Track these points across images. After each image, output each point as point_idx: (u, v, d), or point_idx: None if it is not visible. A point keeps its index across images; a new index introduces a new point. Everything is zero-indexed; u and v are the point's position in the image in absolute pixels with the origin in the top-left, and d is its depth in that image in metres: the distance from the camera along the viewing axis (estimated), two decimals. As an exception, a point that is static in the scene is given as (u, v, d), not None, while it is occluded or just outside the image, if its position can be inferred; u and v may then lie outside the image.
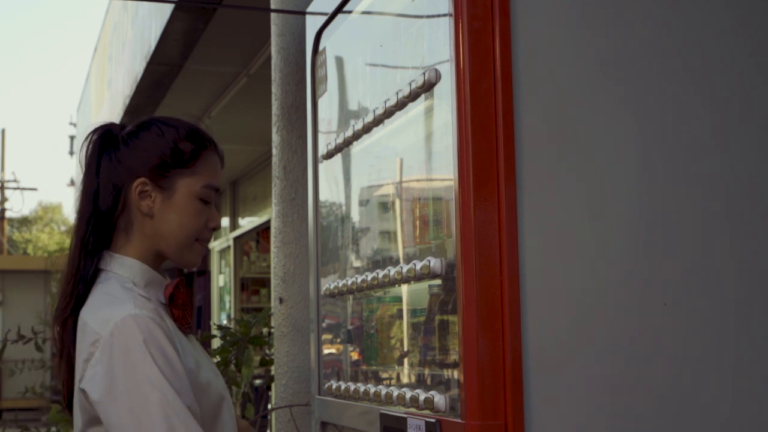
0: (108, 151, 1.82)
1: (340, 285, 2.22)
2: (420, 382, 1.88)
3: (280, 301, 3.18)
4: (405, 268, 1.81)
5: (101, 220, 1.79)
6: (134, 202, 1.78)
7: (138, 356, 1.60)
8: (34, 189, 29.20)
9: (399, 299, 2.04)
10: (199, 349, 1.86)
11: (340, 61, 2.40)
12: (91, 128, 1.88)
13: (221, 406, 1.79)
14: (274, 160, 3.28)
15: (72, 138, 23.07)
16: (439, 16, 1.78)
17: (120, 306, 1.66)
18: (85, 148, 1.84)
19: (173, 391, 1.59)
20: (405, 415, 1.77)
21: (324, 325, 2.42)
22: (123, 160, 1.80)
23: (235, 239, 10.61)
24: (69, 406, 1.77)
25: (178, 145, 1.81)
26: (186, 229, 1.80)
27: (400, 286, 1.95)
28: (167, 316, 1.75)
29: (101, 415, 1.61)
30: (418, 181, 1.97)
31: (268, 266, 9.88)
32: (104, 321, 1.64)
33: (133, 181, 1.78)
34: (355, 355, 2.28)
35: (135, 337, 1.61)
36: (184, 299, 1.82)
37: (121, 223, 1.80)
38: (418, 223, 1.92)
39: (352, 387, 2.11)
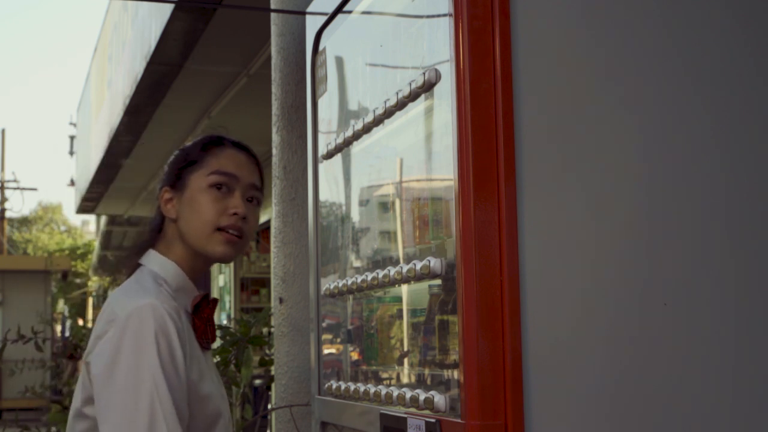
0: None
1: (340, 285, 2.22)
2: (420, 382, 1.88)
3: (280, 301, 3.18)
4: (405, 268, 1.81)
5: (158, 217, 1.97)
6: (164, 211, 1.92)
7: (145, 343, 1.65)
8: (34, 189, 29.19)
9: (399, 299, 2.04)
10: (211, 366, 1.92)
11: (340, 61, 2.40)
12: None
13: (217, 422, 1.83)
14: (274, 160, 3.28)
15: (72, 138, 23.05)
16: (439, 16, 1.78)
17: (145, 295, 1.73)
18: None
19: (166, 385, 1.65)
20: (405, 415, 1.78)
21: (324, 325, 2.42)
22: (161, 178, 1.99)
23: (235, 239, 10.59)
24: None
25: (186, 150, 1.96)
26: (200, 219, 1.87)
27: (400, 286, 1.95)
28: (188, 323, 1.79)
29: (95, 388, 1.67)
30: (418, 181, 1.97)
31: (268, 266, 9.88)
32: (125, 305, 1.71)
33: (161, 194, 1.95)
34: (355, 355, 2.28)
35: (148, 325, 1.67)
36: (209, 314, 1.90)
37: (162, 231, 1.95)
38: (418, 223, 1.92)
39: (352, 387, 2.11)
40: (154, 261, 1.88)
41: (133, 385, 1.63)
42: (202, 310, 1.87)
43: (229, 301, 11.02)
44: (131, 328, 1.66)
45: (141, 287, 1.78)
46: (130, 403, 1.62)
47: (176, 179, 1.92)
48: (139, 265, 1.89)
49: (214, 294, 11.54)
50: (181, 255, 1.89)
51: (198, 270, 1.92)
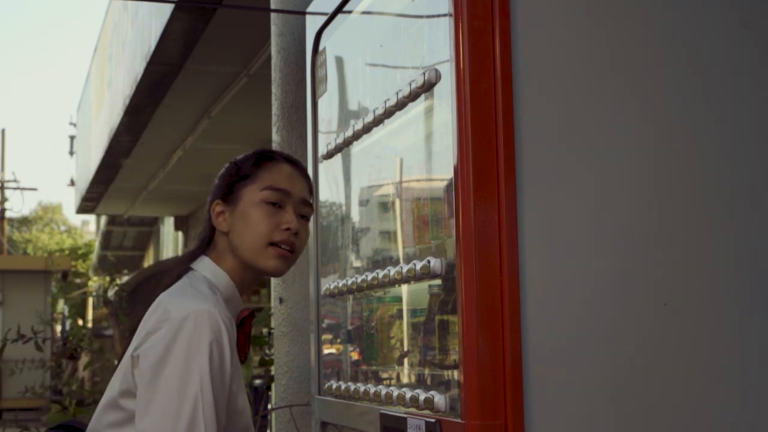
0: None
1: (340, 285, 2.22)
2: (420, 382, 1.88)
3: (280, 301, 3.18)
4: (405, 268, 1.81)
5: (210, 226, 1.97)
6: (215, 224, 1.93)
7: (199, 347, 1.67)
8: (34, 189, 29.19)
9: (399, 299, 2.04)
10: (242, 380, 1.91)
11: (340, 61, 2.40)
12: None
13: None
14: (274, 160, 3.27)
15: (72, 138, 23.05)
16: (439, 16, 1.78)
17: (202, 301, 1.73)
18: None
19: (212, 393, 1.66)
20: (405, 415, 1.77)
21: (324, 325, 2.42)
22: (212, 191, 2.00)
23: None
24: None
25: (238, 164, 1.97)
26: (254, 233, 1.89)
27: (400, 286, 1.95)
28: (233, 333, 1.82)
29: (140, 382, 1.67)
30: (418, 181, 1.97)
31: (268, 266, 9.85)
32: (180, 306, 1.72)
33: (212, 207, 1.95)
34: (355, 355, 2.28)
35: (203, 330, 1.68)
36: (250, 329, 1.94)
37: (213, 243, 1.95)
38: (418, 223, 1.92)
39: (352, 387, 2.11)
40: (207, 268, 1.89)
41: (178, 387, 1.64)
42: (245, 324, 1.91)
43: (229, 301, 11.02)
44: (186, 331, 1.67)
45: (197, 291, 1.78)
46: (174, 403, 1.63)
47: (228, 193, 1.92)
48: (189, 269, 1.90)
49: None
50: (231, 266, 1.90)
51: (247, 283, 1.94)
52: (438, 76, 1.77)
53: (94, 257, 23.82)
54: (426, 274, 1.74)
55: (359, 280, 2.07)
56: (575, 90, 1.70)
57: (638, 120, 1.73)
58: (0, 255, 22.06)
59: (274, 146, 3.28)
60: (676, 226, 1.73)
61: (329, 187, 2.44)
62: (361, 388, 2.05)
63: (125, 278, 16.49)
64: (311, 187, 2.03)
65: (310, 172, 2.50)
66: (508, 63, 1.65)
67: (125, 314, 12.57)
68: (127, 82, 8.36)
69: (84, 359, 11.10)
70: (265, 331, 4.02)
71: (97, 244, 22.64)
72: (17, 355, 12.38)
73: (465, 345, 1.61)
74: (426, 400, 1.70)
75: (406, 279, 1.82)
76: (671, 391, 1.69)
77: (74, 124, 21.55)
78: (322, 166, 2.45)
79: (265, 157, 1.96)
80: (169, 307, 1.73)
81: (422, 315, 1.89)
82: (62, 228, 39.24)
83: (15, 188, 25.05)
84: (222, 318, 1.71)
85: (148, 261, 20.34)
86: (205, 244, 1.95)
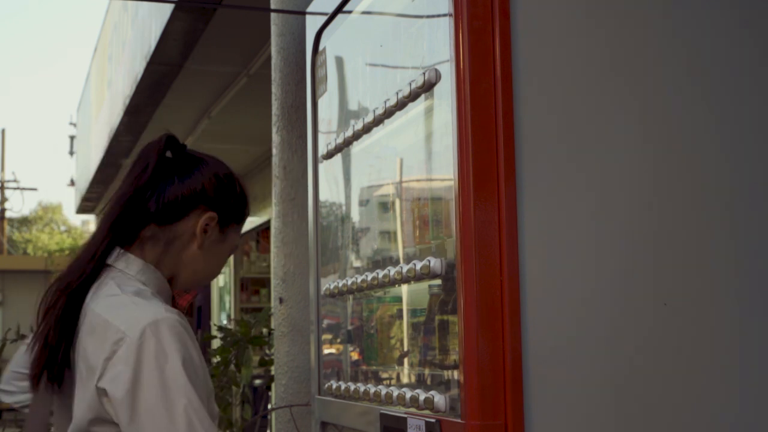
0: (183, 165, 1.82)
1: (340, 285, 2.22)
2: (420, 382, 1.88)
3: (280, 301, 3.18)
4: (405, 268, 1.81)
5: (138, 217, 1.77)
6: (193, 228, 1.80)
7: (167, 361, 1.59)
8: (34, 189, 29.26)
9: (399, 299, 2.04)
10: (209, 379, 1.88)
11: (340, 61, 2.40)
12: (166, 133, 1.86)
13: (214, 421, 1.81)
14: (274, 160, 3.28)
15: (72, 138, 23.06)
16: (439, 16, 1.78)
17: (148, 308, 1.64)
18: (155, 145, 1.82)
19: (198, 398, 1.59)
20: (405, 415, 1.77)
21: (324, 325, 2.42)
22: (204, 185, 1.82)
23: (235, 239, 10.59)
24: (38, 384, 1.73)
25: (243, 203, 1.90)
26: (214, 272, 1.87)
27: (400, 286, 1.95)
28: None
29: (121, 413, 1.58)
30: (418, 181, 1.97)
31: (268, 266, 9.88)
32: (130, 321, 1.62)
33: (203, 211, 1.80)
34: (355, 355, 2.28)
35: (167, 342, 1.60)
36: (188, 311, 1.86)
37: (161, 234, 1.78)
38: (418, 223, 1.92)
39: (352, 387, 2.11)
40: (132, 265, 1.75)
41: (165, 407, 1.56)
42: (182, 308, 1.87)
43: (229, 301, 11.02)
44: (148, 348, 1.58)
45: (136, 299, 1.68)
46: (166, 423, 1.56)
47: (225, 224, 1.84)
48: (105, 266, 1.74)
49: (214, 294, 11.55)
50: (161, 265, 1.79)
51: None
52: (438, 76, 1.77)
53: (94, 257, 23.77)
54: (426, 274, 1.74)
55: (359, 280, 2.07)
56: (575, 90, 1.70)
57: (638, 120, 1.73)
58: (0, 255, 22.06)
59: (274, 146, 3.28)
60: (676, 226, 1.73)
61: (329, 187, 2.44)
62: (361, 388, 2.05)
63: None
64: None
65: (310, 172, 2.50)
66: (508, 63, 1.65)
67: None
68: (127, 82, 8.36)
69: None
70: (264, 331, 4.01)
71: (97, 244, 22.57)
72: (17, 355, 12.37)
73: (465, 345, 1.61)
74: (426, 400, 1.70)
75: (406, 279, 1.82)
76: (671, 391, 1.69)
77: (74, 124, 21.56)
78: (322, 166, 2.45)
79: (249, 209, 1.94)
80: (117, 323, 1.62)
81: (422, 315, 1.89)
82: (62, 228, 39.24)
83: (15, 188, 25.08)
84: (177, 319, 1.64)
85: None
86: (122, 236, 1.76)
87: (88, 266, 1.74)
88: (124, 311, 1.65)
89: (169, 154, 1.83)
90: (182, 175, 1.80)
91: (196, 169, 1.83)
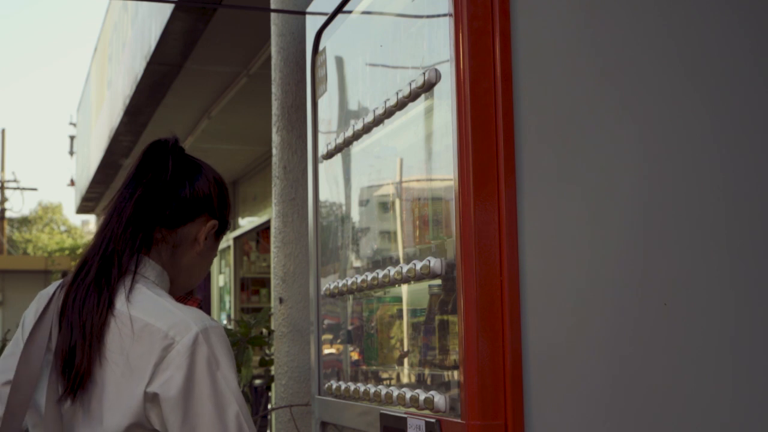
0: (186, 170, 1.81)
1: (340, 285, 2.22)
2: (420, 382, 1.88)
3: (280, 301, 3.18)
4: (405, 268, 1.81)
5: (153, 220, 1.76)
6: (196, 234, 1.80)
7: (219, 368, 1.61)
8: (34, 189, 29.20)
9: (399, 299, 2.04)
10: None
11: (340, 61, 2.40)
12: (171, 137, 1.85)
13: None
14: (274, 160, 3.28)
15: (72, 138, 23.06)
16: (439, 16, 1.78)
17: (191, 315, 1.64)
18: (166, 148, 1.81)
19: (245, 406, 1.63)
20: (405, 415, 1.77)
21: (324, 325, 2.42)
22: (207, 193, 1.82)
23: (235, 239, 10.61)
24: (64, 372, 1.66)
25: (228, 214, 1.88)
26: (199, 277, 1.87)
27: (400, 286, 1.95)
28: None
29: (172, 417, 1.58)
30: (418, 181, 1.97)
31: (268, 266, 9.88)
32: (178, 327, 1.61)
33: (207, 218, 1.80)
34: (355, 355, 2.28)
35: (218, 349, 1.62)
36: None
37: (169, 238, 1.78)
38: (418, 223, 1.92)
39: (352, 387, 2.11)
40: (151, 271, 1.75)
41: (217, 413, 1.58)
42: None
43: (229, 301, 11.01)
44: (201, 354, 1.60)
45: (171, 303, 1.67)
46: (219, 429, 1.58)
47: (220, 232, 1.85)
48: (128, 271, 1.71)
49: (214, 294, 11.55)
50: (166, 264, 1.79)
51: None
52: (438, 76, 1.77)
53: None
54: (426, 274, 1.74)
55: (359, 280, 2.07)
56: (575, 90, 1.71)
57: (638, 120, 1.73)
58: (0, 255, 22.07)
59: (274, 146, 3.28)
60: (677, 226, 1.73)
61: (329, 187, 2.44)
62: (361, 388, 2.05)
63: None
64: None
65: (310, 172, 2.50)
66: (508, 63, 1.65)
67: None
68: (127, 82, 8.36)
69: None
70: (265, 331, 4.02)
71: (97, 244, 22.57)
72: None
73: (465, 345, 1.61)
74: (426, 400, 1.70)
75: (406, 279, 1.82)
76: (671, 391, 1.69)
77: (74, 124, 21.56)
78: (322, 166, 2.45)
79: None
80: (163, 327, 1.61)
81: (422, 315, 1.89)
82: (62, 228, 39.24)
83: (15, 188, 25.08)
84: (220, 326, 1.67)
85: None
86: (143, 243, 1.74)
87: (112, 271, 1.70)
88: (169, 316, 1.64)
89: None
90: (192, 180, 1.80)
91: (199, 174, 1.83)
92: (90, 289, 1.68)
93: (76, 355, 1.63)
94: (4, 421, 1.71)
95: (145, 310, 1.65)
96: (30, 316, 1.76)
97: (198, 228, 1.79)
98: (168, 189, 1.77)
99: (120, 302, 1.66)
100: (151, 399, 1.59)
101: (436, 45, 1.78)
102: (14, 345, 1.76)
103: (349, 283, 2.14)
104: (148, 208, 1.74)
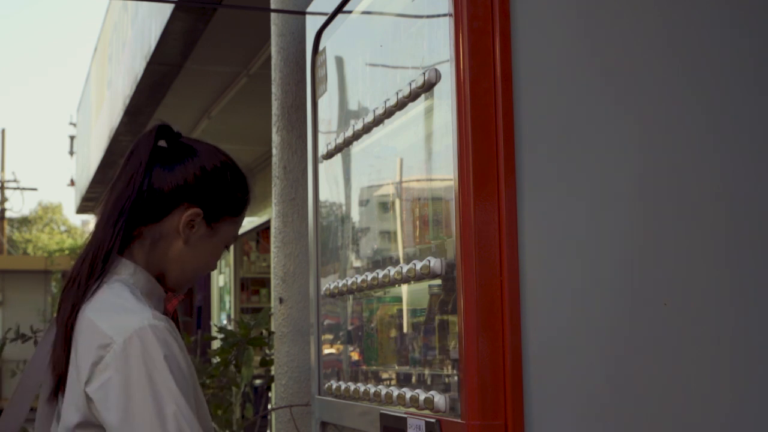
0: (169, 158, 1.79)
1: (340, 285, 2.22)
2: (420, 382, 1.88)
3: (280, 301, 3.18)
4: (405, 268, 1.81)
5: (136, 218, 1.75)
6: (177, 224, 1.76)
7: (155, 368, 1.58)
8: (34, 189, 29.25)
9: (399, 299, 2.04)
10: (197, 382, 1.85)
11: (340, 61, 2.40)
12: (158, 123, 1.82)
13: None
14: (274, 160, 3.28)
15: (72, 138, 23.06)
16: (439, 16, 1.78)
17: (137, 314, 1.63)
18: (144, 140, 1.79)
19: (187, 404, 1.59)
20: (405, 415, 1.77)
21: (324, 325, 2.42)
22: (187, 180, 1.78)
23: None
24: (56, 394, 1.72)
25: (237, 196, 1.84)
26: (207, 267, 1.83)
27: (400, 286, 1.95)
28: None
29: (110, 419, 1.58)
30: (418, 181, 1.97)
31: (268, 266, 9.87)
32: (118, 327, 1.61)
33: (187, 206, 1.76)
34: (355, 355, 2.28)
35: (153, 348, 1.59)
36: (176, 313, 1.84)
37: (147, 233, 1.76)
38: (418, 223, 1.92)
39: (352, 387, 2.11)
40: (123, 268, 1.74)
41: (155, 413, 1.56)
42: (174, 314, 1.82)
43: (229, 301, 11.02)
44: (135, 355, 1.58)
45: (125, 304, 1.66)
46: (156, 429, 1.55)
47: (214, 219, 1.79)
48: (103, 271, 1.71)
49: (214, 295, 11.55)
50: (149, 264, 1.77)
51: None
52: (438, 76, 1.77)
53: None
54: (426, 274, 1.74)
55: (359, 280, 2.07)
56: (575, 90, 1.71)
57: (638, 120, 1.73)
58: (0, 255, 22.07)
59: (274, 146, 3.28)
60: (676, 225, 1.73)
61: (329, 187, 2.44)
62: (361, 388, 2.05)
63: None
64: None
65: (310, 172, 2.50)
66: (508, 63, 1.65)
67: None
68: (127, 82, 8.36)
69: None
70: (264, 332, 4.02)
71: (97, 244, 22.56)
72: (18, 356, 12.39)
73: (465, 345, 1.61)
74: (426, 400, 1.70)
75: (406, 279, 1.82)
76: (671, 391, 1.69)
77: (74, 124, 21.56)
78: (322, 166, 2.45)
79: (248, 200, 1.87)
80: (105, 329, 1.61)
81: (422, 315, 1.89)
82: (62, 228, 39.25)
83: (15, 188, 25.08)
84: (164, 325, 1.63)
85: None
86: (119, 242, 1.72)
87: (86, 273, 1.72)
88: (112, 316, 1.64)
89: (163, 143, 1.80)
90: (171, 170, 1.77)
91: (181, 162, 1.79)
92: (67, 292, 1.72)
93: (60, 360, 1.68)
94: (6, 417, 1.81)
95: (96, 310, 1.66)
96: None
97: (178, 219, 1.76)
98: (141, 184, 1.74)
99: (84, 303, 1.68)
100: (92, 399, 1.60)
101: (436, 45, 1.78)
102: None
103: (349, 283, 2.14)
104: (123, 207, 1.73)
